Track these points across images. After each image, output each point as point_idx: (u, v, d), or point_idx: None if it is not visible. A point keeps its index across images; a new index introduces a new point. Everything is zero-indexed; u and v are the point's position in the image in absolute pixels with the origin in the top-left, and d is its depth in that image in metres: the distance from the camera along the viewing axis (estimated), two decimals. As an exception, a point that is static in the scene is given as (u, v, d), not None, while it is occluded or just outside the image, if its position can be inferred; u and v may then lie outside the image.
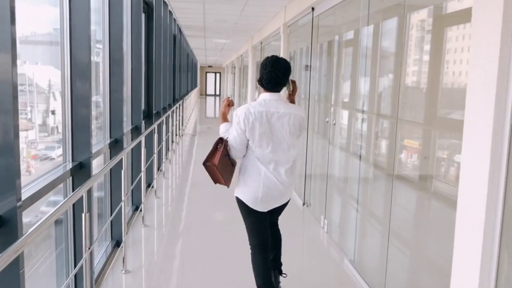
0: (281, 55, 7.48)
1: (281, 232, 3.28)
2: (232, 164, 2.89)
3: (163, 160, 7.32)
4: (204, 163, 2.85)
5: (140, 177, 4.83)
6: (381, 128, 3.64)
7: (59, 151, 3.32)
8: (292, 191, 3.04)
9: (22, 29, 2.53)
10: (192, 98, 20.72)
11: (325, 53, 5.42)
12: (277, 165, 2.83)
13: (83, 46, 2.98)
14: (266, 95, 2.85)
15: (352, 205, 4.18)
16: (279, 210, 3.05)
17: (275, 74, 2.81)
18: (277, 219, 3.20)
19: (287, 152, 2.85)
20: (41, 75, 3.38)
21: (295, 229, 5.13)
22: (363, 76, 3.92)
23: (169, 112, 8.27)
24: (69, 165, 3.01)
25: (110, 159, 3.85)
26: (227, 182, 2.89)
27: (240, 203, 2.92)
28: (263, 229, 2.95)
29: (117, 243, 4.17)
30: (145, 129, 6.00)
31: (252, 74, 12.70)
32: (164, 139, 7.25)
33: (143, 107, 6.36)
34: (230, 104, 3.07)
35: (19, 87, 2.12)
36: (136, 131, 5.33)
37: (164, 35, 8.41)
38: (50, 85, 3.47)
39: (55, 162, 3.16)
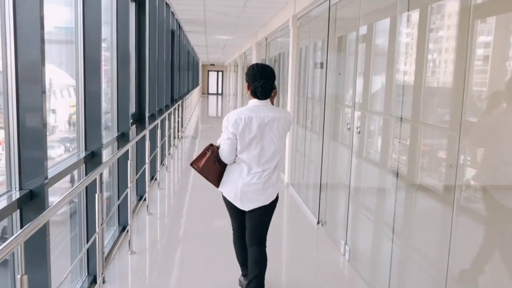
0: (290, 51, 6.69)
1: (290, 255, 3.53)
2: (223, 166, 3.08)
3: (158, 169, 6.52)
4: (191, 164, 3.08)
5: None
6: (431, 141, 2.85)
7: (60, 150, 3.70)
8: (275, 194, 3.09)
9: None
10: (193, 97, 20.01)
11: (345, 48, 4.62)
12: (261, 168, 2.98)
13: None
14: (254, 101, 2.98)
15: (385, 232, 3.39)
16: (258, 212, 3.08)
17: (269, 85, 2.96)
18: (264, 238, 3.18)
19: (273, 155, 2.99)
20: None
21: (307, 253, 4.36)
22: (401, 74, 3.13)
23: (166, 114, 7.47)
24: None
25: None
26: (215, 182, 3.11)
27: (223, 196, 3.15)
28: (241, 221, 3.19)
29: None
30: (137, 134, 5.27)
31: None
32: (159, 144, 6.45)
33: (133, 109, 5.58)
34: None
35: None
36: (122, 138, 4.55)
37: (160, 29, 7.70)
38: (51, 83, 3.53)
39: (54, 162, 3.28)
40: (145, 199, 5.39)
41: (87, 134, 3.46)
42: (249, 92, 3.01)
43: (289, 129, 3.08)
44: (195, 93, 22.63)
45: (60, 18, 3.53)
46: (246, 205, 3.04)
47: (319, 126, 5.43)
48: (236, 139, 2.94)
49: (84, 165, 3.42)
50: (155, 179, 6.42)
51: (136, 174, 5.28)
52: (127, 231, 4.19)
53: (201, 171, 3.03)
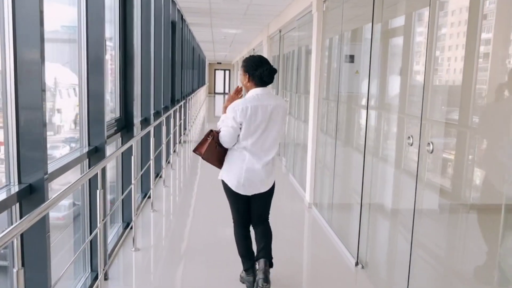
0: (314, 43, 5.46)
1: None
2: (224, 149, 3.15)
3: (152, 186, 5.34)
4: (194, 151, 3.17)
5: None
6: None
7: (65, 150, 3.73)
8: (273, 180, 3.24)
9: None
10: (199, 96, 18.87)
11: (400, 34, 3.39)
12: (264, 154, 3.10)
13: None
14: (257, 90, 3.09)
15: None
16: (262, 197, 3.24)
17: (273, 69, 3.09)
18: (267, 215, 3.37)
19: (275, 143, 3.13)
20: (48, 73, 3.37)
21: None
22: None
23: (163, 118, 6.26)
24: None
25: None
26: (218, 165, 3.20)
27: (224, 185, 3.20)
28: (243, 209, 3.27)
29: (127, 225, 4.46)
30: (122, 143, 4.15)
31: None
32: (152, 157, 5.24)
33: (117, 114, 4.39)
34: (239, 92, 3.24)
35: None
36: (95, 154, 3.37)
37: (157, 20, 6.52)
38: (56, 83, 3.58)
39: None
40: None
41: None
42: (249, 83, 3.12)
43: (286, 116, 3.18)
44: (201, 93, 21.65)
45: (66, 17, 3.49)
46: (248, 191, 3.15)
47: (356, 137, 4.22)
48: (240, 128, 3.02)
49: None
50: (149, 197, 5.40)
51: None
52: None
53: (204, 157, 3.11)
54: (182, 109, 9.87)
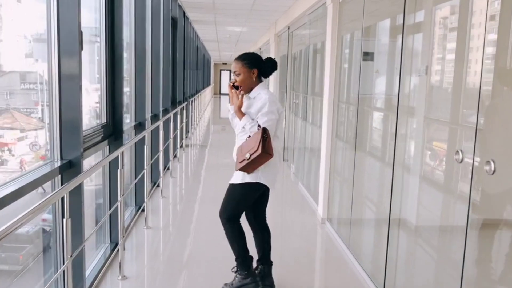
0: (328, 40, 4.86)
1: None
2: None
3: (133, 221, 4.76)
4: (263, 152, 2.89)
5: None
6: None
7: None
8: None
9: (37, 26, 3.21)
10: (204, 97, 18.32)
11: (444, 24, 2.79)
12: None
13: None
14: (264, 84, 3.21)
15: None
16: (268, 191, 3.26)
17: (274, 60, 3.23)
18: (265, 215, 3.37)
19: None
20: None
21: None
22: None
23: (160, 122, 5.67)
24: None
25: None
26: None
27: (254, 187, 3.07)
28: (250, 205, 3.25)
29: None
30: (109, 151, 3.62)
31: (276, 72, 9.53)
32: (146, 166, 4.65)
33: (103, 120, 3.80)
34: (235, 87, 3.16)
35: (31, 86, 3.55)
36: (69, 170, 2.80)
37: (154, 14, 5.96)
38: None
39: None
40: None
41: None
42: (255, 79, 3.15)
43: None
44: (206, 94, 21.10)
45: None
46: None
47: (382, 146, 3.62)
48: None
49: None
50: (143, 210, 4.75)
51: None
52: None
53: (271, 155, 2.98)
54: (184, 111, 9.29)
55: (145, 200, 4.64)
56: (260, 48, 13.83)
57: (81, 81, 2.80)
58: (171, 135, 6.99)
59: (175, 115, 7.35)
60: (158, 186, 5.89)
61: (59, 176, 2.75)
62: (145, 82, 5.30)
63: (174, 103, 8.28)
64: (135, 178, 4.97)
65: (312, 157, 6.10)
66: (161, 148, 5.73)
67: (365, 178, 3.98)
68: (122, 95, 3.91)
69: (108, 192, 3.98)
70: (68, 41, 2.72)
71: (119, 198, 3.42)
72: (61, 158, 2.79)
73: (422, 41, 2.98)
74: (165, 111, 6.90)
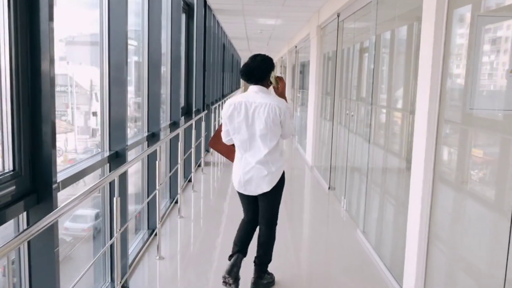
0: (427, 23, 2.34)
1: None
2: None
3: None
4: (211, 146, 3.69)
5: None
6: None
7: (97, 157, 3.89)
8: (276, 180, 3.17)
9: (69, 29, 3.33)
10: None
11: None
12: (256, 151, 3.14)
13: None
14: (250, 87, 3.23)
15: None
16: (264, 199, 3.25)
17: (250, 68, 3.20)
18: (271, 222, 3.34)
19: (264, 139, 3.11)
20: (83, 76, 3.78)
21: None
22: None
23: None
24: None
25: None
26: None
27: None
28: (247, 208, 3.38)
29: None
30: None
31: (318, 73, 7.81)
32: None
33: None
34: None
35: (61, 88, 3.41)
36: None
37: (174, 9, 5.46)
38: (92, 85, 3.65)
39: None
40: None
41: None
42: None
43: (283, 115, 3.11)
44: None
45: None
46: (248, 190, 3.22)
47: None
48: (226, 121, 3.18)
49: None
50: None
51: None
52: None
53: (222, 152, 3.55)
54: (203, 122, 7.59)
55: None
56: (296, 47, 11.87)
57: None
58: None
59: (189, 128, 6.31)
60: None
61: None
62: (154, 93, 4.53)
63: (189, 113, 6.94)
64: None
65: (389, 204, 4.01)
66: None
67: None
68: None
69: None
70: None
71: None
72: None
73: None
74: (174, 124, 5.55)
